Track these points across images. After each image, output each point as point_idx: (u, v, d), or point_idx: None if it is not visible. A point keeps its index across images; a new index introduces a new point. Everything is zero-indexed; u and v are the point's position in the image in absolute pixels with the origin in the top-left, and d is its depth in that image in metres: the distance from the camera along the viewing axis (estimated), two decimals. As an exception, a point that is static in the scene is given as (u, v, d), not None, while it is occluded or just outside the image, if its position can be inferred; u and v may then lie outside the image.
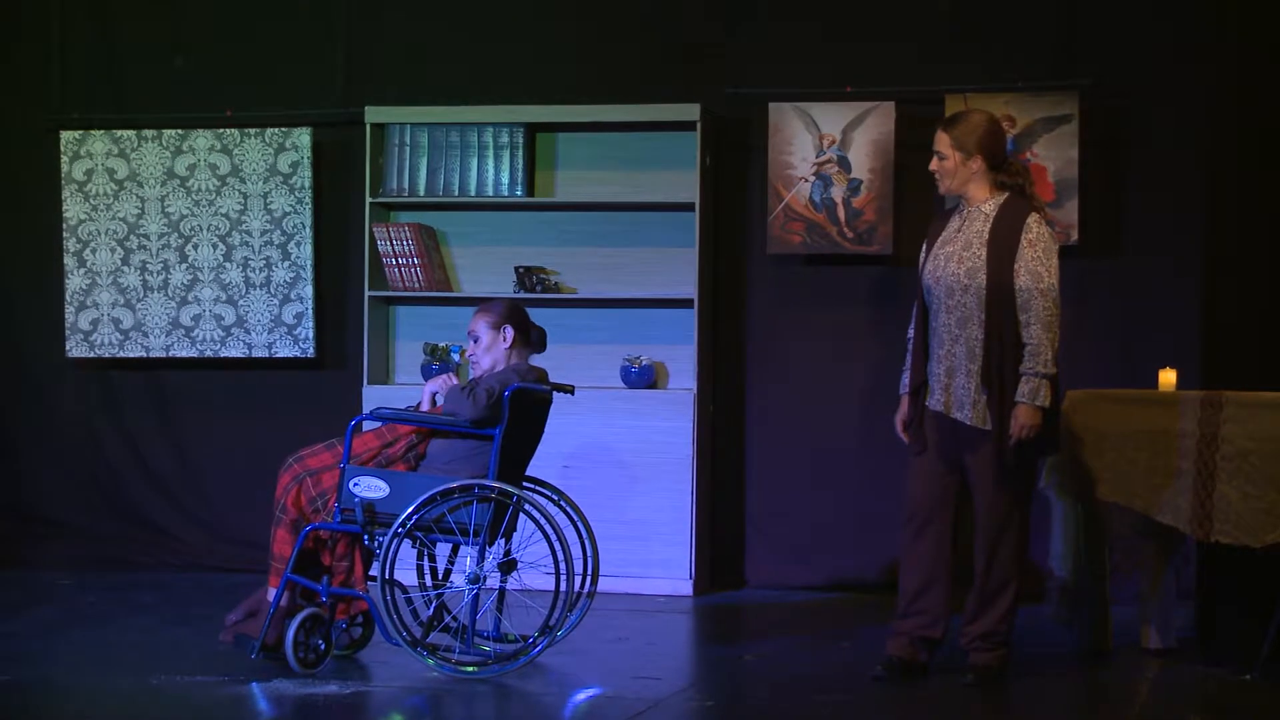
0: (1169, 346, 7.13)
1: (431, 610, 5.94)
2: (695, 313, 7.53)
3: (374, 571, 5.69)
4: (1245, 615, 5.91)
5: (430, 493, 5.61)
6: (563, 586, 5.67)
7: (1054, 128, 7.33)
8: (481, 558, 5.63)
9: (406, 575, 5.92)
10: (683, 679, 5.95)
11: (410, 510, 5.59)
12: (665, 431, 7.45)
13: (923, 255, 5.72)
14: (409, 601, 5.94)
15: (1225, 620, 6.08)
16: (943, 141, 5.63)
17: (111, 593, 7.39)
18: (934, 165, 5.66)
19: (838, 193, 7.53)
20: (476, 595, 5.64)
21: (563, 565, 5.65)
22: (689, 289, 7.54)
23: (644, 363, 7.63)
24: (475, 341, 5.97)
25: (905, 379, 5.74)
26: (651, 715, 5.20)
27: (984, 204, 5.61)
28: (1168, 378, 6.14)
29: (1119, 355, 7.34)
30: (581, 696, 5.52)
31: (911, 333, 5.75)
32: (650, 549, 7.41)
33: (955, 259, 5.55)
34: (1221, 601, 6.12)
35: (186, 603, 7.17)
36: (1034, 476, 5.68)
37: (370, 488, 5.65)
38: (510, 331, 5.95)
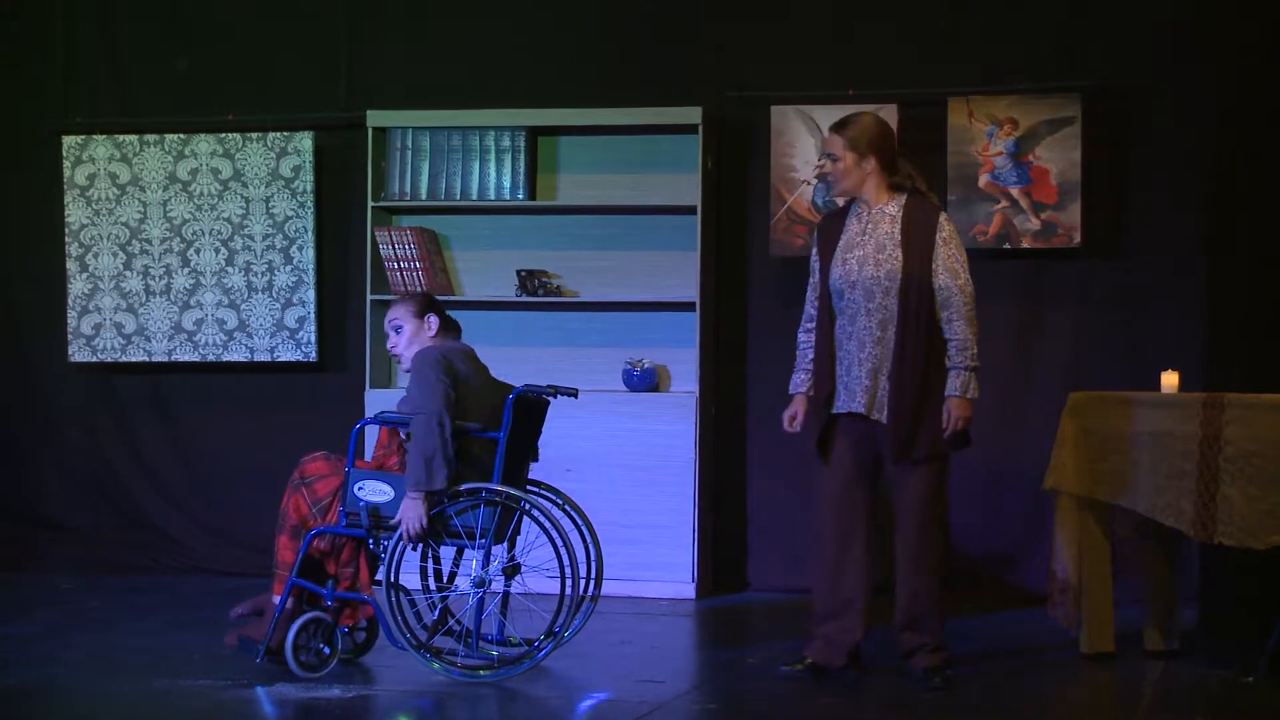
0: (1171, 348, 7.12)
1: (436, 614, 5.93)
2: (697, 316, 7.53)
3: (379, 575, 5.68)
4: (1248, 617, 5.90)
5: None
6: (568, 590, 5.67)
7: (1056, 130, 7.34)
8: (486, 561, 5.62)
9: (410, 579, 5.92)
10: (685, 682, 5.95)
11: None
12: (667, 435, 7.45)
13: (815, 259, 5.77)
14: (413, 605, 5.93)
15: (1228, 622, 6.07)
16: (835, 144, 5.67)
17: (114, 596, 7.39)
18: (827, 167, 5.70)
19: (839, 195, 7.53)
20: (481, 599, 5.63)
21: (568, 569, 5.64)
22: (691, 292, 7.54)
23: (646, 366, 7.63)
24: (397, 331, 5.88)
25: (798, 379, 5.80)
26: (654, 718, 5.20)
27: (886, 205, 5.66)
28: (1170, 379, 6.14)
29: (1121, 357, 7.35)
30: (587, 702, 5.52)
31: (804, 336, 5.80)
32: (653, 552, 7.41)
33: (870, 261, 5.60)
34: (1224, 603, 6.12)
35: (189, 606, 7.17)
36: (948, 473, 5.69)
37: (375, 491, 5.64)
38: (435, 320, 5.88)
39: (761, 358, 7.76)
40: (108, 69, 8.31)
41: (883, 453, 5.64)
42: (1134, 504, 5.97)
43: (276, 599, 5.65)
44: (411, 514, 5.54)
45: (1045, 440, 6.26)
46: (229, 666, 5.69)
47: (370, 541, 5.66)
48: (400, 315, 5.90)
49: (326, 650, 5.62)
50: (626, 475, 7.44)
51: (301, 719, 5.20)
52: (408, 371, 5.74)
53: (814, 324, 5.78)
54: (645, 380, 7.61)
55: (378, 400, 7.54)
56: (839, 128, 5.69)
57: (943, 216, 5.64)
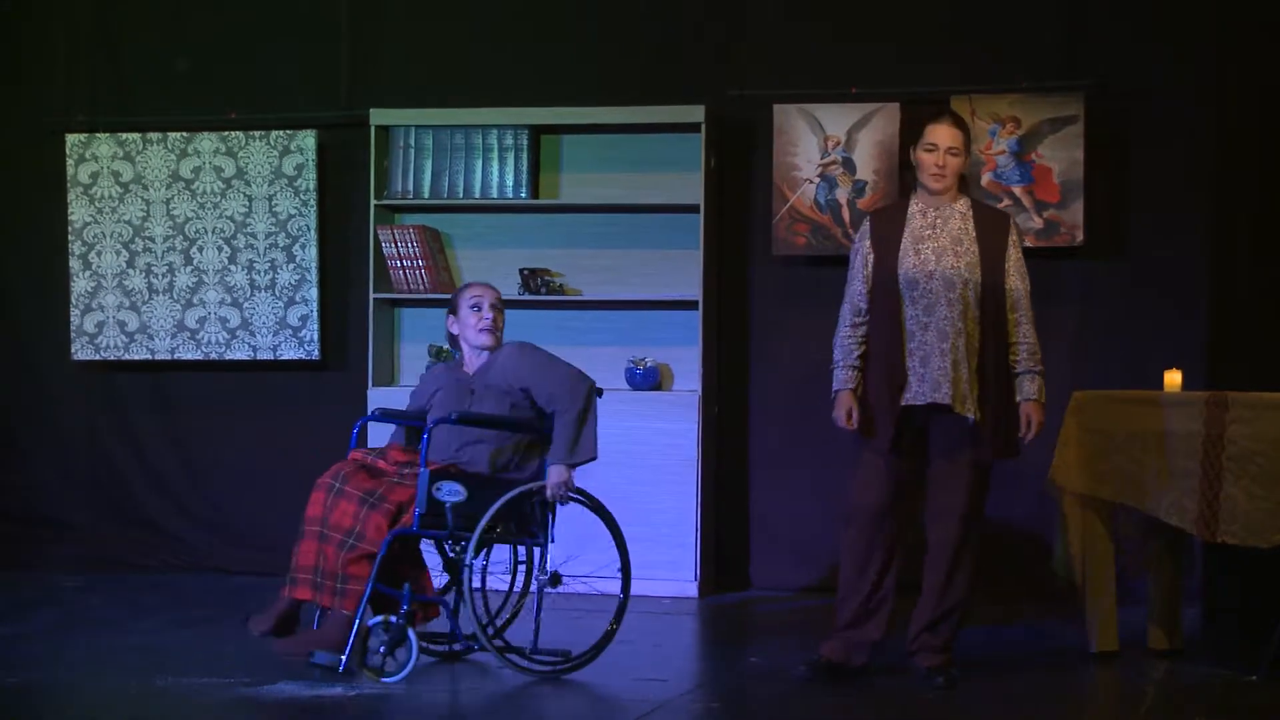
0: (1174, 347, 7.11)
1: (509, 613, 5.96)
2: (700, 314, 7.53)
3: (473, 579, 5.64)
4: (1252, 616, 5.91)
5: (516, 491, 5.64)
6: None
7: (1059, 129, 7.34)
8: (544, 559, 5.69)
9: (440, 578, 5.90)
10: (688, 680, 5.95)
11: (497, 507, 5.58)
12: (670, 433, 7.45)
13: (868, 252, 5.64)
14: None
15: (1231, 621, 6.07)
16: (958, 139, 5.61)
17: (116, 595, 7.39)
18: (941, 160, 5.59)
19: (842, 194, 7.53)
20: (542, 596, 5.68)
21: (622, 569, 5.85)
22: (693, 291, 7.54)
23: (648, 365, 7.62)
24: (499, 312, 5.89)
25: (845, 375, 5.65)
26: (657, 716, 5.19)
27: (956, 204, 5.64)
28: (1173, 378, 6.13)
29: (1124, 356, 7.34)
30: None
31: (849, 331, 5.67)
32: (655, 551, 7.40)
33: (949, 254, 5.56)
34: (1228, 602, 6.12)
35: (191, 605, 7.17)
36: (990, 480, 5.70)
37: (451, 492, 5.57)
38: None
39: (764, 356, 7.76)
40: (110, 67, 8.30)
41: (932, 449, 5.60)
42: (1137, 503, 5.97)
43: (346, 612, 5.50)
44: (559, 478, 5.69)
45: (1048, 439, 6.25)
46: (231, 665, 5.68)
47: (449, 542, 5.64)
48: (500, 303, 5.92)
49: (406, 653, 5.54)
50: (629, 474, 7.43)
51: (304, 718, 5.20)
52: (487, 352, 5.81)
53: (863, 319, 5.65)
54: (648, 379, 7.61)
55: (379, 398, 7.53)
56: (959, 123, 5.64)
57: (1013, 220, 5.69)
